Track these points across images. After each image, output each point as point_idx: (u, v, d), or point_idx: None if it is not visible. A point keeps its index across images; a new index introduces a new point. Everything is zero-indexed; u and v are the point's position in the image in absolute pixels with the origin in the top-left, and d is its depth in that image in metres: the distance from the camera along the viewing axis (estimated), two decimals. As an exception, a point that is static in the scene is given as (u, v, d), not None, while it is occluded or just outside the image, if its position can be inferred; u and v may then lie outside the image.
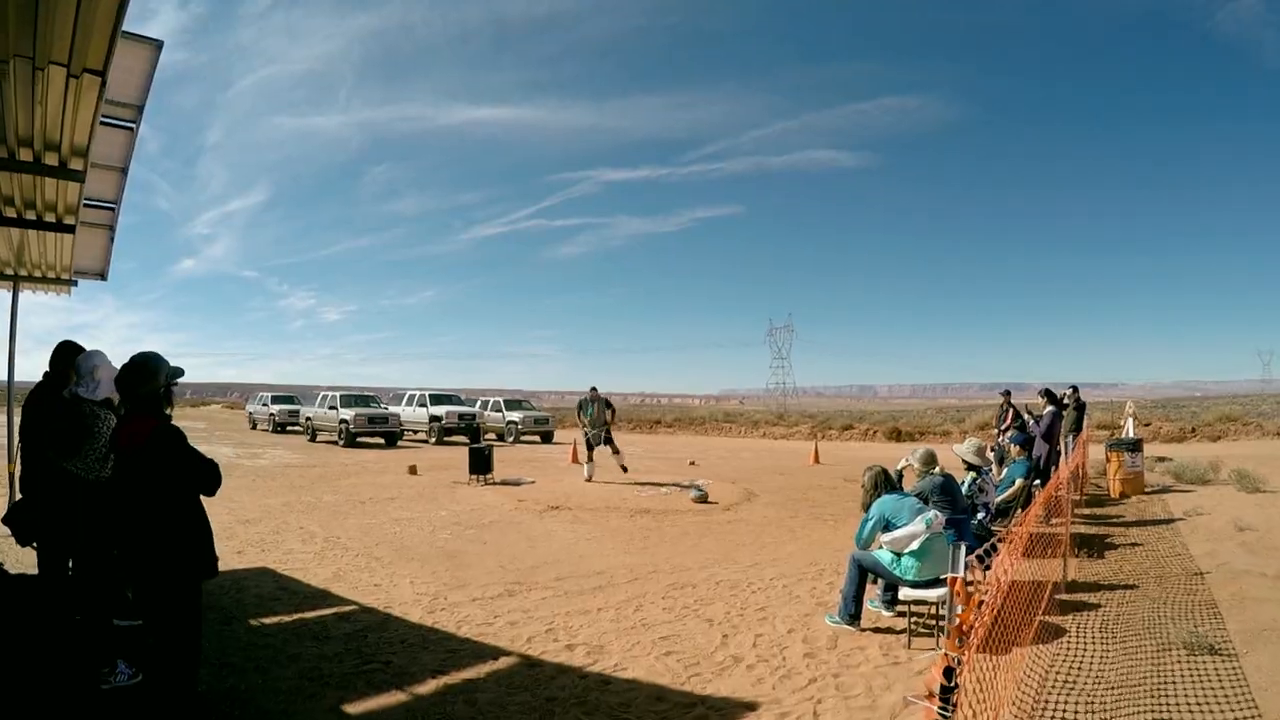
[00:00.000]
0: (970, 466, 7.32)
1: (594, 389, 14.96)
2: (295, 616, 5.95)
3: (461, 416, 26.57)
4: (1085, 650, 5.04)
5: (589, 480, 14.48)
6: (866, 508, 5.72)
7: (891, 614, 5.80)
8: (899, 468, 6.45)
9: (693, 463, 19.30)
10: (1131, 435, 15.35)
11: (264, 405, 33.95)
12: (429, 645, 5.25)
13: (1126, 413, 17.24)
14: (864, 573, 5.60)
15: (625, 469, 14.81)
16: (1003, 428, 14.74)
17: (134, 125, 6.31)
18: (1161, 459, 16.21)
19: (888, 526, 5.47)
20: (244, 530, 9.50)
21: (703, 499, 12.13)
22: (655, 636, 5.45)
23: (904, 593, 5.36)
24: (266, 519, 10.36)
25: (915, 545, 5.31)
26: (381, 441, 24.93)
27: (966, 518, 6.23)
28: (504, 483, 14.32)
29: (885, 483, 5.80)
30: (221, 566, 7.73)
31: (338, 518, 10.57)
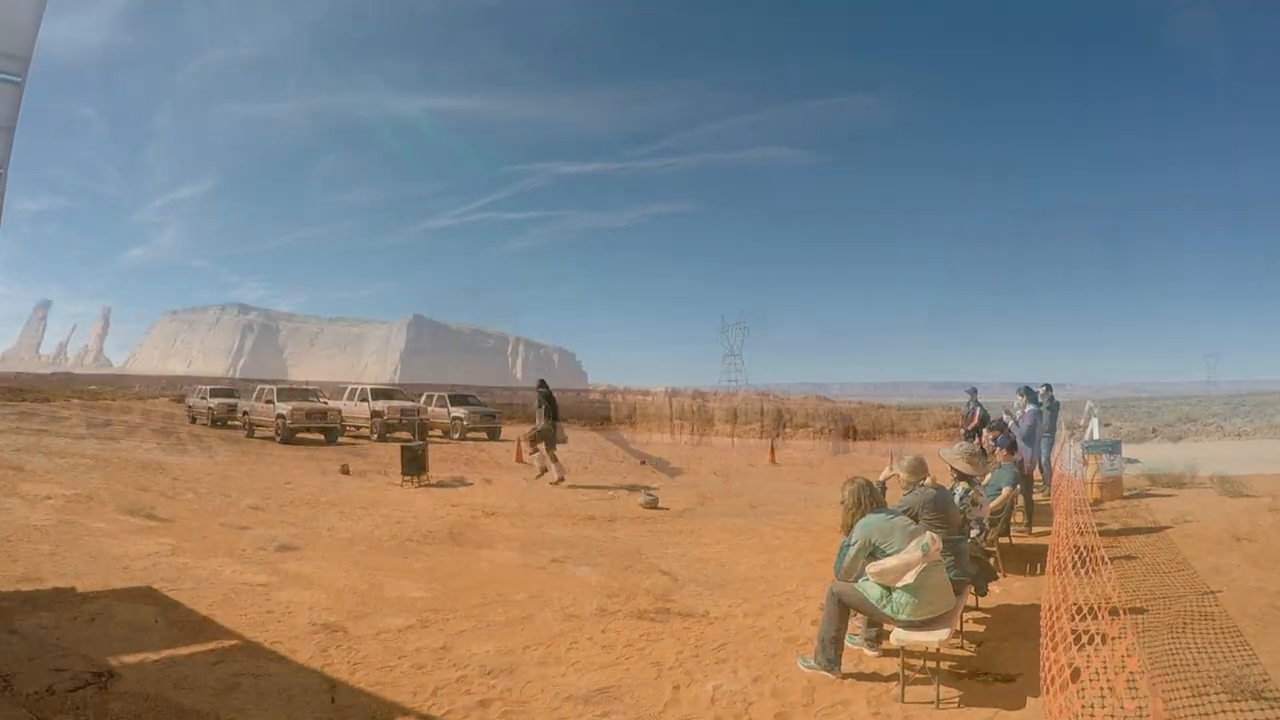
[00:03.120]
0: (961, 475, 6.39)
1: (541, 381, 14.13)
2: (165, 654, 4.92)
3: (404, 412, 25.39)
4: (1110, 697, 4.20)
5: (556, 482, 13.23)
6: (847, 529, 4.74)
7: (876, 653, 4.90)
8: (882, 478, 5.43)
9: (643, 462, 18.40)
10: (1097, 436, 14.86)
11: (202, 399, 32.30)
12: (311, 699, 4.25)
13: (1087, 413, 16.71)
14: (846, 610, 4.62)
15: (542, 476, 13.49)
16: (968, 428, 14.25)
17: (18, 79, 5.46)
18: (1129, 460, 15.77)
19: (874, 554, 4.52)
20: (137, 542, 8.32)
21: (653, 504, 11.29)
22: (590, 688, 4.47)
23: (896, 635, 4.37)
24: (167, 528, 9.16)
25: (910, 578, 4.36)
26: (320, 438, 23.70)
27: (962, 537, 5.31)
28: (440, 485, 13.27)
29: (870, 499, 4.78)
30: (102, 586, 6.74)
31: (249, 525, 9.43)
